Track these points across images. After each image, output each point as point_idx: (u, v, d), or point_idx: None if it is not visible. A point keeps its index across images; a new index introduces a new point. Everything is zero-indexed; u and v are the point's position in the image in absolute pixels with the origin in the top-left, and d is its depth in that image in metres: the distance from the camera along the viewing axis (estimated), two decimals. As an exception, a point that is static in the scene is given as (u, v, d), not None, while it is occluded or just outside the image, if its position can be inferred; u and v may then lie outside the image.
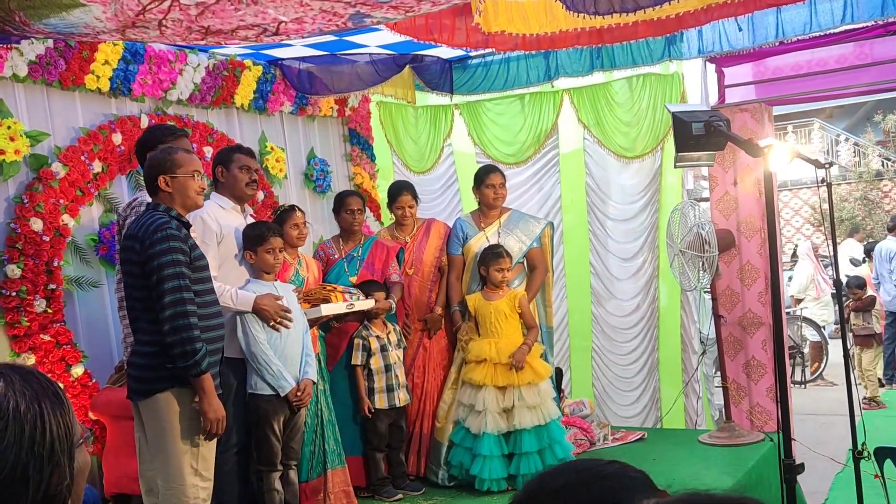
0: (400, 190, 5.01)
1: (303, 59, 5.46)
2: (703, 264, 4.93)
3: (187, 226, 3.13)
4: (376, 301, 4.45)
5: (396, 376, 4.55)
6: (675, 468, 4.64)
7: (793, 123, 20.38)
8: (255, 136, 5.46)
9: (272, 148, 5.54)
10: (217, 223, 3.81)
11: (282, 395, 3.78)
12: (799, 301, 10.06)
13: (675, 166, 3.75)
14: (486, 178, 4.93)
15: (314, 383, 3.96)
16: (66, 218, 4.19)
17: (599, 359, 6.22)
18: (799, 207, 19.62)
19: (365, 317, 4.55)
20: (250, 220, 4.05)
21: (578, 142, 6.14)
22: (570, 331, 6.33)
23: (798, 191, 19.43)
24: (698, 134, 2.98)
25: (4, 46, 3.88)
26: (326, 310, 4.17)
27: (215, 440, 3.13)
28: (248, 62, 5.27)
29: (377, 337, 4.53)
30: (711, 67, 5.57)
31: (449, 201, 6.61)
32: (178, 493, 2.96)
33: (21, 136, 4.00)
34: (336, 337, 4.60)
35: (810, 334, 9.65)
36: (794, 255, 16.05)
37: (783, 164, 4.08)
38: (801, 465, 2.66)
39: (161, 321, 2.92)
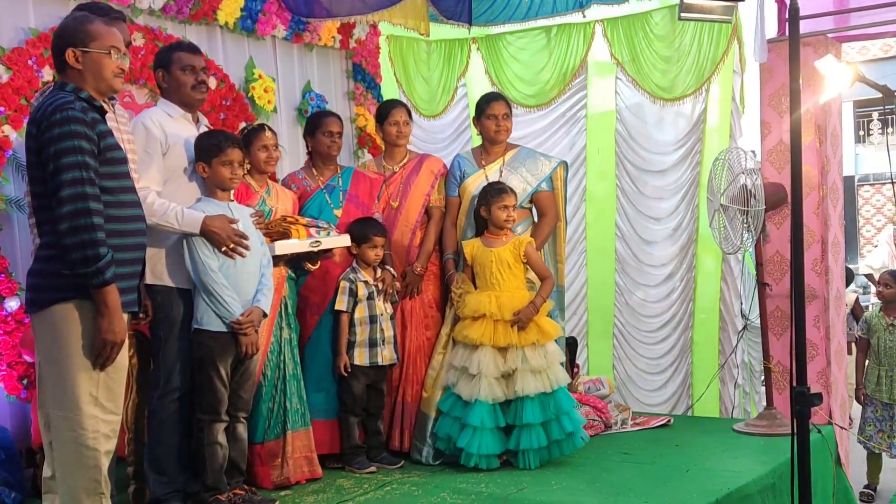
0: (394, 103, 4.81)
1: (299, -25, 5.22)
2: (746, 221, 4.56)
3: (101, 111, 2.87)
4: (363, 248, 4.26)
5: (382, 330, 4.33)
6: (700, 454, 4.34)
7: (878, 110, 19.69)
8: (241, 61, 5.26)
9: (260, 76, 5.33)
10: (162, 131, 3.61)
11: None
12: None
13: (679, 18, 3.41)
14: (486, 108, 4.66)
15: (265, 315, 3.69)
16: (7, 129, 4.08)
17: (622, 337, 5.96)
18: (881, 205, 18.92)
19: (353, 257, 4.33)
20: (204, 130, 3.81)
21: (610, 82, 5.93)
22: (589, 305, 6.07)
23: (881, 186, 18.74)
24: (707, -25, 2.66)
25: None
26: (281, 248, 3.90)
27: (124, 368, 2.87)
28: (234, -28, 5.04)
29: (365, 282, 4.32)
30: (771, -5, 5.21)
31: (459, 150, 6.30)
32: (73, 423, 2.71)
33: (-39, 33, 3.89)
34: (321, 280, 4.35)
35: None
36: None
37: (841, 88, 3.74)
38: (819, 395, 2.31)
39: (58, 219, 2.66)
